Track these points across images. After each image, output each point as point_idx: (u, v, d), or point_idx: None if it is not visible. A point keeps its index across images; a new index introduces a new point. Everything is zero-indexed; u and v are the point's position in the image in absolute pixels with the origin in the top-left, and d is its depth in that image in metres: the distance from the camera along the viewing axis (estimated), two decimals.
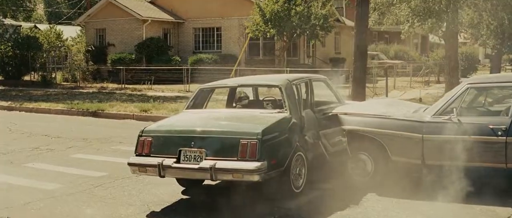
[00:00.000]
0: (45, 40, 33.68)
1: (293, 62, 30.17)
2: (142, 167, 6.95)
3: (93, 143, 12.30)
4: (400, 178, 7.69)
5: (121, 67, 27.45)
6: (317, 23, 27.63)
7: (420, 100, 19.56)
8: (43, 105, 19.76)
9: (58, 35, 36.04)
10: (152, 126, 7.41)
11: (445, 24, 21.94)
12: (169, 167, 6.70)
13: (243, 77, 10.13)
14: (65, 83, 30.23)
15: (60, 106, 19.41)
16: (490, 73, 34.41)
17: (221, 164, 6.47)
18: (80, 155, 10.86)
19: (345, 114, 7.98)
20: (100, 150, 11.40)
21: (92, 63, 30.94)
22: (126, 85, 26.71)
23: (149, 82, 26.22)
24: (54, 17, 62.67)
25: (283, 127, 7.03)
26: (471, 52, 41.40)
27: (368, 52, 43.38)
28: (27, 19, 49.84)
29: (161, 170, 6.73)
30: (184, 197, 7.71)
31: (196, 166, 6.58)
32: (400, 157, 7.56)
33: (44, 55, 32.51)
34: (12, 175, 9.06)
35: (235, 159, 6.49)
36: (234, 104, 8.82)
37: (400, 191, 7.39)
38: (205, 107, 8.35)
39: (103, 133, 13.92)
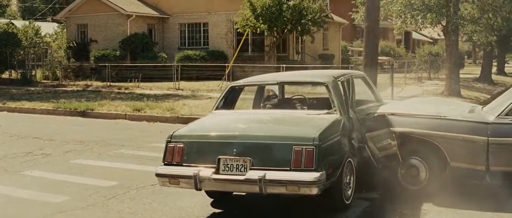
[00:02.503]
0: (23, 36, 32.19)
1: (283, 58, 29.30)
2: (174, 179, 5.93)
3: (92, 146, 11.22)
4: (458, 186, 6.85)
5: (106, 64, 26.21)
6: (309, 18, 26.78)
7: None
8: (27, 104, 18.55)
9: (37, 32, 34.58)
10: (182, 130, 6.38)
11: (445, 19, 21.28)
12: (208, 178, 5.71)
13: (279, 74, 9.15)
14: (45, 81, 28.86)
15: (45, 105, 18.24)
16: (482, 70, 34.07)
17: (272, 175, 5.50)
18: (80, 160, 9.78)
19: (393, 114, 7.08)
20: (102, 154, 10.33)
21: (74, 60, 29.56)
22: (112, 83, 25.52)
23: (136, 80, 25.07)
24: (28, 14, 60.74)
25: (336, 130, 6.10)
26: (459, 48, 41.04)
27: (355, 48, 42.99)
28: (1, 15, 48.07)
29: (198, 182, 5.74)
30: (217, 210, 6.72)
31: (241, 177, 5.61)
32: (461, 163, 6.69)
33: (22, 52, 31.05)
34: (9, 186, 7.97)
35: (287, 168, 5.54)
36: (261, 104, 7.87)
37: (460, 201, 6.54)
38: (234, 108, 7.37)
39: (99, 134, 12.84)
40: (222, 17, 30.35)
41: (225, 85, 22.88)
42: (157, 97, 19.87)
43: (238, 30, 27.87)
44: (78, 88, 24.80)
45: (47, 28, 40.03)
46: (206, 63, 27.27)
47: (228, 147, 5.81)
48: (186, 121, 15.37)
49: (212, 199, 6.94)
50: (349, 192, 6.45)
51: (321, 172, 5.45)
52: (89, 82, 26.62)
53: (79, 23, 30.97)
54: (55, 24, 40.56)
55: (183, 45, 31.35)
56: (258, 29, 26.76)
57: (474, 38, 29.37)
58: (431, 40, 63.10)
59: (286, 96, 8.23)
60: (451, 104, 7.77)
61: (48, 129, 13.98)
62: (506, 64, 44.51)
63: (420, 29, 26.14)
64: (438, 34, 55.33)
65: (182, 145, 6.01)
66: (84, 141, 11.84)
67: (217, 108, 7.06)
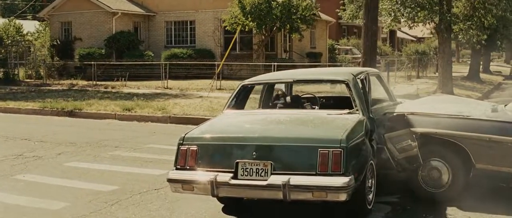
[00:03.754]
0: (4, 34, 31.35)
1: (271, 57, 28.95)
2: (188, 184, 5.49)
3: (85, 148, 10.72)
4: (483, 189, 6.52)
5: (92, 62, 25.56)
6: (299, 16, 26.45)
7: (417, 96, 18.58)
8: (12, 104, 17.94)
9: (18, 30, 33.75)
10: (194, 131, 5.92)
11: (438, 17, 21.03)
12: (226, 184, 5.28)
13: (294, 71, 8.72)
14: (29, 80, 28.13)
15: (31, 105, 17.65)
16: (470, 68, 33.99)
17: (297, 180, 5.09)
18: (75, 163, 9.29)
19: (413, 114, 6.72)
20: (97, 156, 9.83)
21: (57, 58, 28.84)
22: (98, 82, 24.91)
23: (123, 78, 24.49)
24: (9, 12, 59.52)
25: (360, 131, 5.71)
26: None
27: (341, 47, 42.77)
28: None
29: (215, 188, 5.31)
30: (229, 217, 6.30)
31: (263, 183, 5.19)
32: (487, 165, 6.35)
33: (3, 51, 30.21)
34: (3, 191, 7.45)
35: (313, 173, 5.14)
36: (270, 104, 7.45)
37: (487, 204, 6.22)
38: (244, 108, 6.94)
39: (90, 135, 12.33)
40: (209, 15, 29.86)
41: (216, 84, 22.53)
42: (146, 97, 19.34)
43: (227, 28, 27.43)
44: (63, 88, 24.15)
45: (29, 26, 39.13)
46: (194, 61, 26.77)
47: (247, 150, 5.38)
48: (179, 120, 14.96)
49: (223, 205, 6.52)
50: (371, 197, 6.07)
51: (350, 177, 5.07)
52: (74, 81, 25.95)
53: (63, 21, 30.26)
54: (37, 22, 39.71)
55: (170, 43, 30.81)
56: (247, 27, 26.35)
57: (460, 36, 29.34)
58: (415, 39, 63.26)
59: (294, 95, 7.83)
60: (470, 104, 7.43)
61: (37, 129, 13.43)
62: (491, 63, 44.64)
63: (410, 28, 25.87)
64: (423, 32, 55.45)
65: (195, 148, 5.57)
66: (76, 142, 11.34)
67: (228, 107, 6.62)
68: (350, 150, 5.21)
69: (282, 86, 7.75)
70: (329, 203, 5.54)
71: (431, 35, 58.84)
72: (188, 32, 30.63)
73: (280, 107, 7.14)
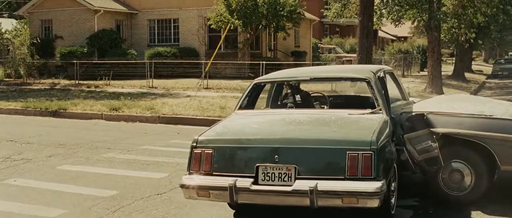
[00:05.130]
0: None
1: (256, 55, 28.61)
2: (204, 190, 5.06)
3: (75, 149, 10.22)
4: (507, 192, 6.23)
5: (74, 61, 24.89)
6: (285, 14, 26.10)
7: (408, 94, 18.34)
8: None
9: None
10: (208, 133, 5.49)
11: (427, 15, 20.89)
12: (247, 189, 4.88)
13: (310, 69, 8.32)
14: (8, 79, 27.31)
15: (13, 105, 17.04)
16: (454, 67, 33.98)
17: (325, 185, 4.71)
18: (67, 166, 8.79)
19: (433, 113, 6.38)
20: (90, 159, 9.35)
21: (38, 57, 28.05)
22: (80, 81, 24.26)
23: (107, 77, 23.88)
24: None
25: (386, 132, 5.36)
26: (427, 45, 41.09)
27: (324, 45, 42.55)
28: None
29: (234, 194, 4.91)
30: None
31: (288, 188, 4.80)
32: None
33: None
34: None
35: (341, 177, 4.77)
36: (278, 103, 7.06)
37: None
38: (254, 107, 6.53)
39: (79, 136, 11.83)
40: (193, 13, 29.36)
41: (205, 83, 22.07)
42: (132, 96, 18.80)
43: (212, 26, 26.97)
44: (45, 87, 23.46)
45: (6, 24, 38.17)
46: (178, 60, 26.26)
47: (268, 153, 4.98)
48: (168, 120, 14.50)
49: (234, 211, 6.12)
50: (393, 200, 5.73)
51: (382, 181, 4.72)
52: (56, 81, 25.24)
53: (43, 19, 29.48)
54: (15, 21, 38.78)
55: (153, 42, 30.23)
56: (232, 25, 25.92)
57: (441, 35, 29.30)
58: (395, 38, 63.35)
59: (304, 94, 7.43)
60: (488, 103, 7.12)
61: (21, 130, 12.87)
62: (473, 62, 44.86)
63: (396, 27, 25.72)
64: (405, 31, 55.58)
65: (210, 151, 5.15)
66: (65, 143, 10.83)
67: (241, 107, 6.20)
68: (380, 152, 4.86)
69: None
70: (356, 209, 5.17)
71: (412, 35, 59.12)
72: (172, 31, 30.08)
73: (290, 107, 6.75)
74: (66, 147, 10.47)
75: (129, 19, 30.24)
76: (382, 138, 5.07)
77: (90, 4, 27.76)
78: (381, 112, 5.69)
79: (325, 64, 29.86)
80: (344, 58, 33.52)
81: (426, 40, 42.95)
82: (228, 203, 5.93)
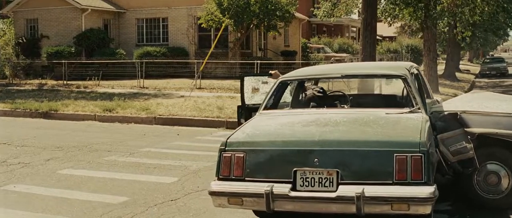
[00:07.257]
0: None
1: (247, 55, 28.18)
2: (236, 197, 4.62)
3: (74, 152, 9.72)
4: None
5: (61, 61, 24.21)
6: (277, 14, 25.71)
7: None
8: None
9: None
10: (238, 135, 5.04)
11: (423, 14, 20.63)
12: (285, 196, 4.45)
13: (341, 65, 7.90)
14: None
15: (1, 106, 16.46)
16: (446, 66, 33.85)
17: (373, 190, 4.31)
18: (68, 170, 8.31)
19: (466, 112, 6.02)
20: (92, 162, 8.86)
21: (23, 57, 27.32)
22: (68, 82, 23.62)
23: (96, 78, 23.28)
24: None
25: (430, 132, 4.98)
26: (416, 45, 41.04)
27: (313, 45, 42.26)
28: None
29: (271, 202, 4.48)
30: None
31: (332, 195, 4.39)
32: None
33: None
34: None
35: (389, 182, 4.38)
36: (301, 102, 6.65)
37: None
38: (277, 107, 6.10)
39: (75, 138, 11.33)
40: (183, 11, 28.81)
41: (198, 83, 21.59)
42: (124, 96, 18.27)
43: (202, 25, 26.48)
44: (33, 88, 22.80)
45: None
46: (167, 60, 25.72)
47: (307, 156, 4.56)
48: (165, 122, 14.03)
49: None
50: None
51: (434, 186, 4.34)
52: (43, 81, 24.55)
53: (28, 18, 28.72)
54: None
55: (141, 41, 29.63)
56: (223, 24, 25.45)
57: (442, 30, 29.18)
58: (381, 38, 63.35)
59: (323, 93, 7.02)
60: None
61: (13, 132, 12.33)
62: (460, 62, 44.92)
63: (390, 25, 25.50)
64: (391, 31, 55.49)
65: (242, 155, 4.72)
66: (62, 146, 10.33)
67: (267, 107, 5.75)
68: (430, 154, 4.48)
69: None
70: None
71: (398, 35, 59.10)
72: (161, 30, 29.51)
73: (313, 106, 6.35)
74: (64, 149, 9.97)
75: (117, 18, 29.61)
76: (428, 139, 4.69)
77: (78, 2, 27.10)
78: (420, 111, 5.30)
79: (314, 64, 29.52)
80: (333, 58, 33.25)
81: (414, 40, 43.03)
82: (254, 211, 5.50)
